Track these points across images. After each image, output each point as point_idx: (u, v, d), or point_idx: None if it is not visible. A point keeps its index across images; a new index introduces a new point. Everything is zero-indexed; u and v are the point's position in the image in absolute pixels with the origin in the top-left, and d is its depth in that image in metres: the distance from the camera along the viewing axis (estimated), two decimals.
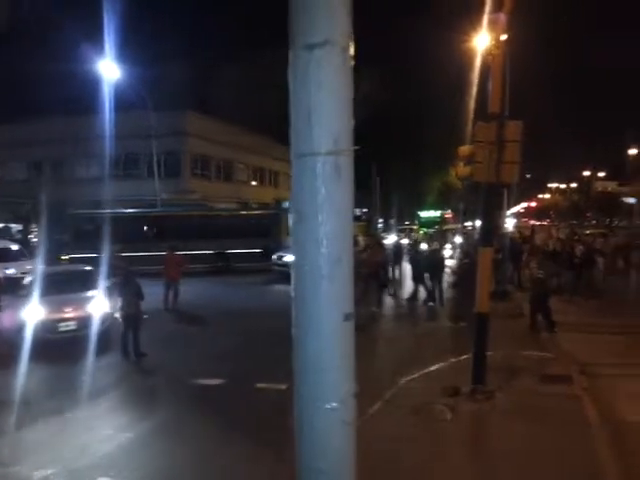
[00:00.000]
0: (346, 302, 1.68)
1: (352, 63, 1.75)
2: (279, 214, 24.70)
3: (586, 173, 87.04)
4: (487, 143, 6.66)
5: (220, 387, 8.47)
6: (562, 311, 12.62)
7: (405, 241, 24.57)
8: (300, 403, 1.70)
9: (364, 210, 44.33)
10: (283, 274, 19.02)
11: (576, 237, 21.75)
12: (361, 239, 21.29)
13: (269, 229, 23.59)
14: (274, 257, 21.10)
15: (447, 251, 22.82)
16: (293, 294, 1.70)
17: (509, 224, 43.32)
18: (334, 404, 1.65)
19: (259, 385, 8.29)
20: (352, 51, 1.74)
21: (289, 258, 17.93)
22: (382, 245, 17.93)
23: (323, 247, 1.66)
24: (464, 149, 7.94)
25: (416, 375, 8.64)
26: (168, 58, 37.46)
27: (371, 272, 14.14)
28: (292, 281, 1.71)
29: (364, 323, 12.00)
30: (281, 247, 21.68)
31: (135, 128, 28.98)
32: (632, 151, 65.72)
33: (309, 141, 1.68)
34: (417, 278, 15.62)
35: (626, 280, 16.55)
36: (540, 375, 8.52)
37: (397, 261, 18.93)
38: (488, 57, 7.34)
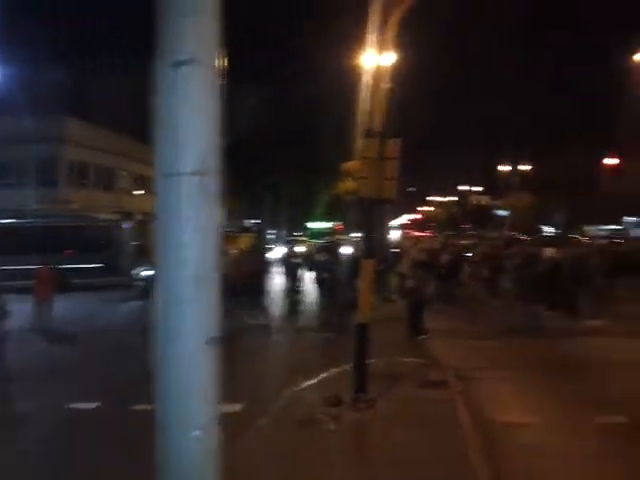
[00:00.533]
0: (210, 325, 1.64)
1: (221, 81, 1.73)
2: (118, 226, 23.30)
3: (463, 187, 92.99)
4: (371, 159, 6.92)
5: (94, 411, 7.95)
6: (433, 318, 13.18)
7: (298, 250, 24.62)
8: (161, 430, 1.63)
9: (256, 222, 44.37)
10: (143, 290, 17.73)
11: (442, 246, 22.87)
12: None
13: (109, 242, 22.07)
14: (133, 272, 19.49)
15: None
16: (155, 316, 1.64)
17: (394, 235, 45.42)
18: (197, 431, 1.60)
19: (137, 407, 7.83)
20: (222, 68, 1.72)
21: (147, 273, 17.18)
22: (259, 255, 17.76)
23: (187, 268, 1.61)
24: (350, 165, 8.21)
25: (300, 386, 8.69)
26: (45, 62, 35.28)
27: (246, 282, 13.88)
28: (154, 302, 1.65)
29: (236, 335, 11.78)
30: (134, 262, 20.26)
31: (7, 134, 27.03)
32: (503, 167, 71.10)
33: (174, 160, 1.63)
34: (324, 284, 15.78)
35: (492, 287, 17.54)
36: (419, 381, 8.91)
37: (290, 271, 18.96)
38: (371, 74, 7.63)
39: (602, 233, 67.16)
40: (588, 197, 52.70)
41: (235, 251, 17.48)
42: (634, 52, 30.16)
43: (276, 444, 6.50)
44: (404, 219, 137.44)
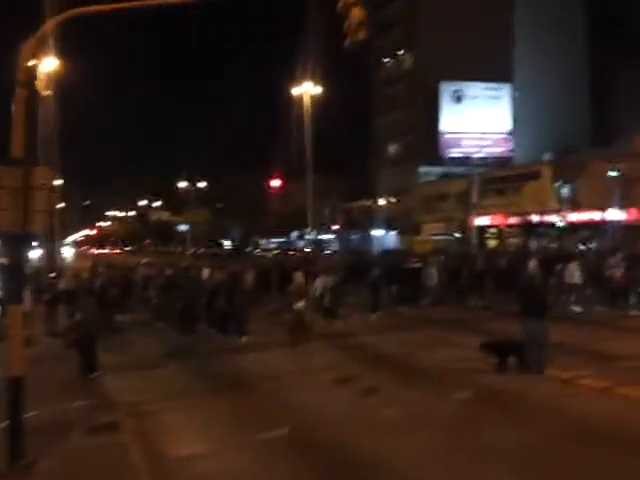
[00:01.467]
0: None
1: None
2: None
3: (143, 202, 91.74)
4: (13, 189, 6.03)
5: None
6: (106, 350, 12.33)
7: None
8: None
9: None
10: None
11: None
12: None
13: None
14: None
15: None
16: None
17: (68, 253, 41.97)
18: None
19: None
20: None
21: None
22: None
23: None
24: None
25: None
26: None
27: None
28: None
29: None
30: None
31: None
32: (182, 184, 72.44)
33: None
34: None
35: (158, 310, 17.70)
36: (88, 427, 8.19)
37: None
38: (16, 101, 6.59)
39: (273, 245, 74.12)
40: (261, 213, 57.36)
41: None
42: (294, 86, 34.01)
43: None
44: (80, 235, 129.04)
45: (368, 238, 58.43)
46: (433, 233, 51.35)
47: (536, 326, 10.25)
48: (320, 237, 65.12)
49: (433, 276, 19.88)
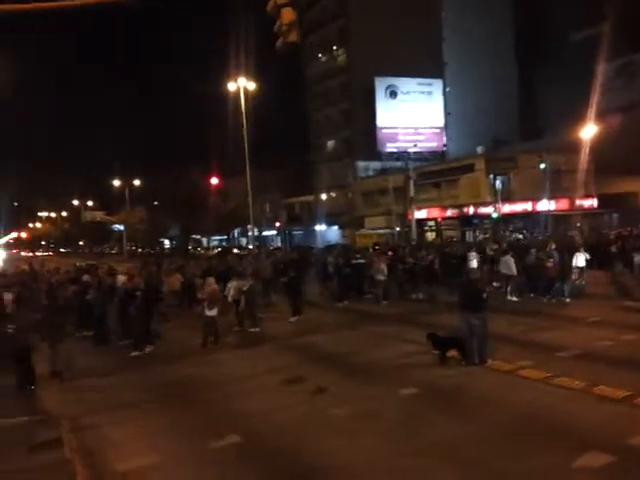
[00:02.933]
0: None
1: None
2: None
3: (75, 202, 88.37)
4: None
5: None
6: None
7: None
8: None
9: None
10: None
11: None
12: None
13: None
14: None
15: None
16: None
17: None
18: None
19: None
20: None
21: None
22: None
23: None
24: None
25: None
26: None
27: None
28: None
29: None
30: None
31: None
32: (116, 182, 70.32)
33: None
34: None
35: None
36: (28, 445, 7.86)
37: None
38: None
39: (215, 243, 73.17)
40: (200, 211, 56.34)
41: None
42: (229, 81, 33.55)
43: None
44: (8, 238, 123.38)
45: (311, 233, 58.63)
46: (374, 227, 52.02)
47: (475, 318, 10.58)
48: (263, 234, 64.96)
49: (383, 270, 19.67)
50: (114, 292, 15.72)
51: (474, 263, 19.20)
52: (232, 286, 15.90)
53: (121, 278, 16.74)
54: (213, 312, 13.98)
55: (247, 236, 59.02)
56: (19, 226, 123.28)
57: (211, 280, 14.84)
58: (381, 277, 19.61)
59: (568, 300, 17.24)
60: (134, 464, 7.09)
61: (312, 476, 6.60)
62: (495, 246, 24.48)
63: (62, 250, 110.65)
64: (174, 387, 10.69)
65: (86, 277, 19.03)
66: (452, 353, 10.82)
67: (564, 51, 60.77)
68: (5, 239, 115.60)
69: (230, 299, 15.88)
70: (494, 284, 19.31)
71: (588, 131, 36.55)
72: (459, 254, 22.79)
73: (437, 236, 48.86)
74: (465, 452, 6.87)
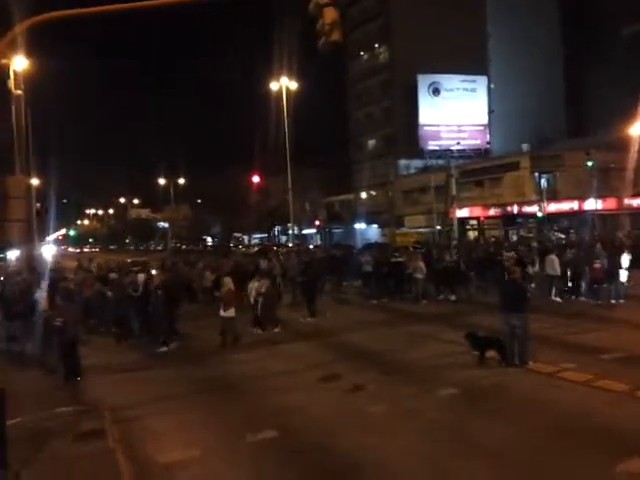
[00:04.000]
0: None
1: None
2: None
3: (122, 200, 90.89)
4: None
5: None
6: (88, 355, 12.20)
7: None
8: None
9: None
10: None
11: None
12: None
13: None
14: None
15: None
16: None
17: (49, 252, 41.42)
18: None
19: None
20: None
21: None
22: None
23: None
24: None
25: None
26: None
27: None
28: None
29: None
30: None
31: None
32: (161, 181, 71.82)
33: None
34: None
35: None
36: (73, 435, 8.13)
37: None
38: None
39: (256, 241, 73.91)
40: (242, 209, 56.99)
41: None
42: (272, 81, 33.88)
43: None
44: (59, 234, 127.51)
45: (351, 232, 58.59)
46: (415, 226, 51.62)
47: (517, 319, 10.39)
48: (303, 232, 65.25)
49: (422, 269, 19.48)
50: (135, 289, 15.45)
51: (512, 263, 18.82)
52: (253, 287, 15.48)
53: (140, 276, 16.07)
54: (229, 313, 13.58)
55: (287, 234, 59.31)
56: (68, 223, 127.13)
57: (227, 280, 14.33)
58: (419, 275, 19.45)
59: (614, 302, 16.75)
60: (175, 457, 7.22)
61: (347, 472, 6.61)
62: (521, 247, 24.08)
63: (109, 247, 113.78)
64: (210, 382, 10.79)
65: (113, 275, 18.59)
66: (491, 354, 10.67)
67: (613, 48, 58.96)
68: (55, 235, 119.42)
69: (252, 300, 15.39)
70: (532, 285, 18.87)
71: (638, 128, 35.33)
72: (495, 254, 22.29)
73: (479, 235, 48.09)
74: (503, 453, 6.76)
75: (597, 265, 17.27)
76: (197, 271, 22.63)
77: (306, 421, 8.27)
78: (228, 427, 8.28)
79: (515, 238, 42.18)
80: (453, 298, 19.22)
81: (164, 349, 13.47)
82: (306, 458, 7.06)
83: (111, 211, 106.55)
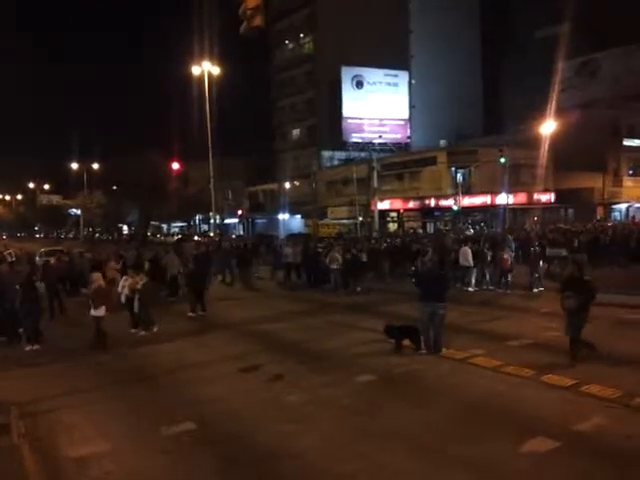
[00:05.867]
0: None
1: None
2: None
3: (31, 185, 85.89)
4: None
5: None
6: None
7: None
8: None
9: None
10: None
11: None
12: None
13: None
14: None
15: None
16: None
17: None
18: None
19: None
20: None
21: None
22: None
23: None
24: None
25: None
26: None
27: None
28: None
29: None
30: None
31: None
32: (74, 165, 68.42)
33: None
34: None
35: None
36: None
37: None
38: None
39: (176, 230, 72.18)
40: (161, 197, 55.45)
41: None
42: (193, 65, 32.95)
43: None
44: None
45: (274, 222, 58.51)
46: (338, 217, 52.20)
47: (439, 308, 10.73)
48: (225, 221, 64.34)
49: (338, 260, 19.90)
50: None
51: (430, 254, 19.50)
52: (126, 284, 13.84)
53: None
54: (99, 312, 12.28)
55: (209, 223, 58.37)
56: None
57: (97, 275, 13.01)
58: (334, 266, 19.79)
59: (536, 291, 17.78)
60: (86, 450, 6.97)
61: (267, 461, 6.60)
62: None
63: (17, 235, 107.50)
64: (125, 373, 10.49)
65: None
66: (407, 342, 11.00)
67: (528, 48, 62.01)
68: None
69: (122, 298, 13.83)
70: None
71: (547, 127, 37.39)
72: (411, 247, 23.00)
73: (399, 227, 49.36)
74: (418, 437, 6.98)
75: (505, 256, 18.18)
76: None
77: (224, 412, 8.19)
78: (144, 420, 8.04)
79: (432, 231, 43.68)
80: (359, 289, 19.57)
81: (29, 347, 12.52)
82: (224, 449, 6.99)
83: (19, 197, 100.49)
